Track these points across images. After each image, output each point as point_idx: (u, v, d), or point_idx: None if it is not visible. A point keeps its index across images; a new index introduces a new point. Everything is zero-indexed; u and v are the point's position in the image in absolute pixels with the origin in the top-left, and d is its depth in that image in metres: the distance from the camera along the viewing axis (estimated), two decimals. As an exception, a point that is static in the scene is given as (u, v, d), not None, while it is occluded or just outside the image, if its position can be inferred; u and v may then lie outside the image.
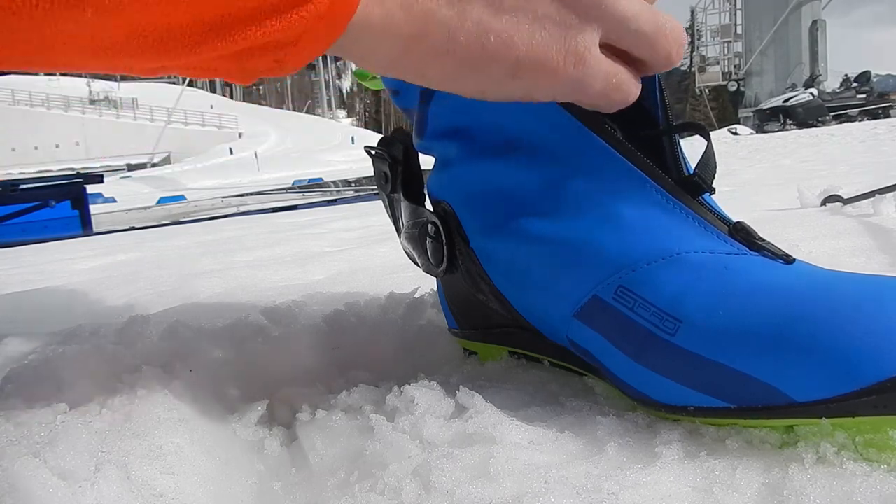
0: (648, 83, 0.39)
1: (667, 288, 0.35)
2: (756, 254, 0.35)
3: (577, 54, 0.31)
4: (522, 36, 0.31)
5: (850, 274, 0.34)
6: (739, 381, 0.31)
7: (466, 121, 0.43)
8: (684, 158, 0.39)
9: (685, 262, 0.35)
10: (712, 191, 0.38)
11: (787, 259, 0.35)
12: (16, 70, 0.28)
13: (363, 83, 0.56)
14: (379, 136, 0.47)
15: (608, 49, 0.33)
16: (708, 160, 0.38)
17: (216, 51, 0.27)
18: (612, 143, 0.38)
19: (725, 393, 0.32)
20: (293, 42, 0.28)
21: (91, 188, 4.47)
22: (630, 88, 0.34)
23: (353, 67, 0.40)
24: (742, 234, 0.36)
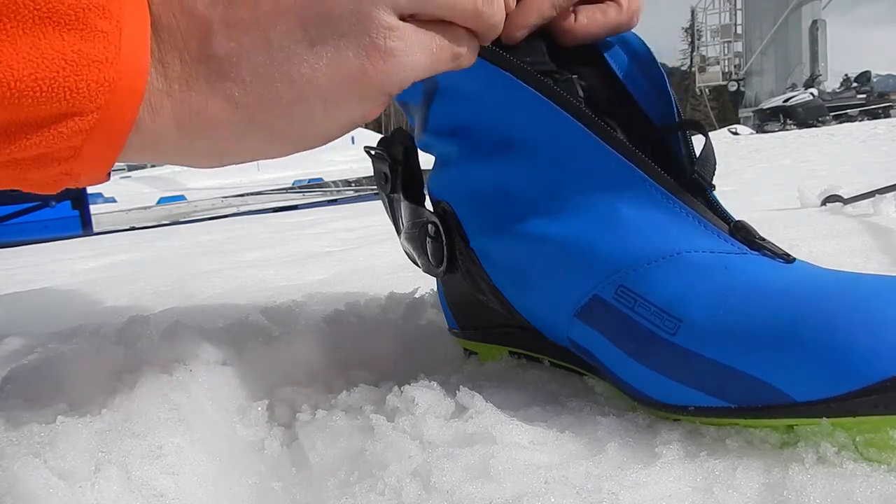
0: (660, 82, 0.40)
1: (667, 287, 0.35)
2: (757, 253, 0.35)
3: (380, 49, 0.29)
4: (314, 67, 0.29)
5: (850, 274, 0.34)
6: (740, 381, 0.31)
7: (467, 120, 0.43)
8: (694, 155, 0.39)
9: (686, 261, 0.35)
10: (712, 187, 0.38)
11: (788, 258, 0.35)
12: None
13: None
14: (379, 137, 0.47)
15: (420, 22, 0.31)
16: (707, 157, 0.38)
17: None
18: (612, 143, 0.38)
19: (726, 393, 0.32)
20: (74, 155, 0.27)
21: (91, 188, 4.46)
22: (461, 49, 0.32)
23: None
24: (742, 234, 0.36)
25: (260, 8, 0.28)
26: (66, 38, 0.24)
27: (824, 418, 0.29)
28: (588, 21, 0.39)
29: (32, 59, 0.24)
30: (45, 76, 0.24)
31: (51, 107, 0.25)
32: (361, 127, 0.30)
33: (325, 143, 0.32)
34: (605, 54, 0.41)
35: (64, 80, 0.24)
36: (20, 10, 0.24)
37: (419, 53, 0.30)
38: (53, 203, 4.04)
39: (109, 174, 0.29)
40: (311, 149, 0.32)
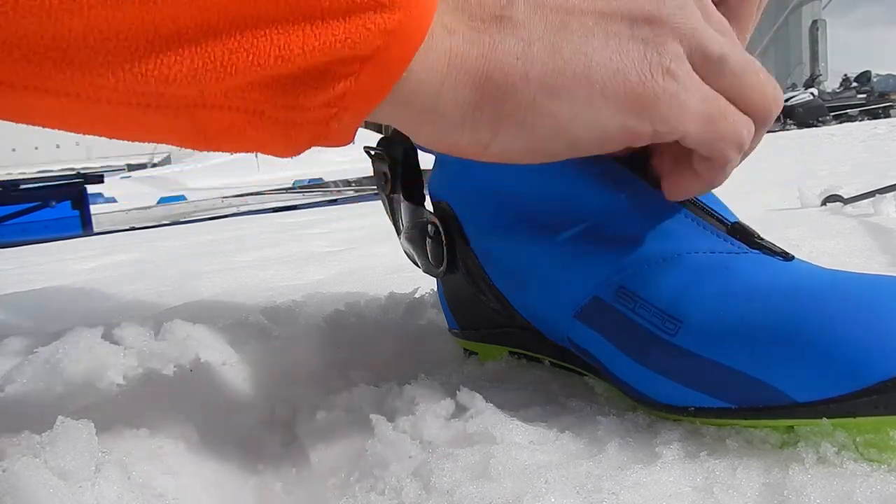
0: None
1: (667, 288, 0.35)
2: (756, 252, 0.35)
3: (663, 66, 0.29)
4: (599, 54, 0.28)
5: (850, 273, 0.34)
6: (740, 382, 0.31)
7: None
8: None
9: (685, 262, 0.35)
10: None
11: (787, 257, 0.35)
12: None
13: None
14: (379, 136, 0.47)
15: None
16: None
17: (252, 72, 0.23)
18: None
19: (726, 393, 0.32)
20: (353, 74, 0.25)
21: (91, 188, 4.47)
22: (738, 121, 0.31)
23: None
24: (741, 234, 0.36)
25: None
26: None
27: (825, 419, 0.29)
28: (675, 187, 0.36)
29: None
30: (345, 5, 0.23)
31: (335, 48, 0.24)
32: (570, 150, 0.30)
33: (570, 155, 0.31)
34: None
35: (350, 23, 0.24)
36: None
37: (696, 100, 0.30)
38: (53, 203, 4.05)
39: (355, 135, 0.28)
40: (553, 159, 0.31)
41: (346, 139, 0.27)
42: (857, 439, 0.29)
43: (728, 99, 0.31)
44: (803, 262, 0.36)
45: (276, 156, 0.28)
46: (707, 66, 0.30)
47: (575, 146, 0.30)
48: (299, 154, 0.27)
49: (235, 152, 0.28)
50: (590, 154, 0.31)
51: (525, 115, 0.29)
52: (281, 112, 0.25)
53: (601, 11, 0.29)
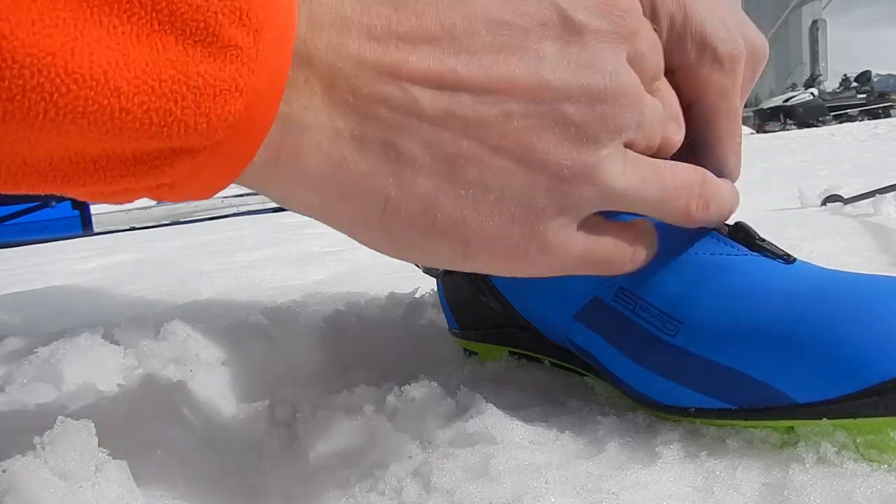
0: None
1: (667, 289, 0.35)
2: (757, 254, 0.35)
3: (541, 241, 0.26)
4: (477, 216, 0.25)
5: (850, 274, 0.34)
6: (740, 383, 0.31)
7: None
8: None
9: (686, 263, 0.35)
10: None
11: (788, 259, 0.35)
12: None
13: None
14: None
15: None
16: None
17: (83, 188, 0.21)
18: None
19: (726, 394, 0.32)
20: (170, 185, 0.22)
21: (91, 188, 4.46)
22: (621, 257, 0.30)
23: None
24: (742, 235, 0.36)
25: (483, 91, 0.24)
26: (191, 52, 0.19)
27: (825, 419, 0.29)
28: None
29: (146, 82, 0.19)
30: (158, 107, 0.19)
31: (158, 141, 0.20)
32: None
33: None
34: None
35: (181, 112, 0.19)
36: (134, 8, 0.18)
37: (571, 260, 0.28)
38: (54, 203, 4.04)
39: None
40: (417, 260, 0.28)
41: (206, 194, 0.23)
42: (858, 440, 0.29)
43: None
44: (804, 262, 0.36)
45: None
46: (616, 205, 0.28)
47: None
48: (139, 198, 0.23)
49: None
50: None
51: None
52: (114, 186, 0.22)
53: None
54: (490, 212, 0.25)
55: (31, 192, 0.21)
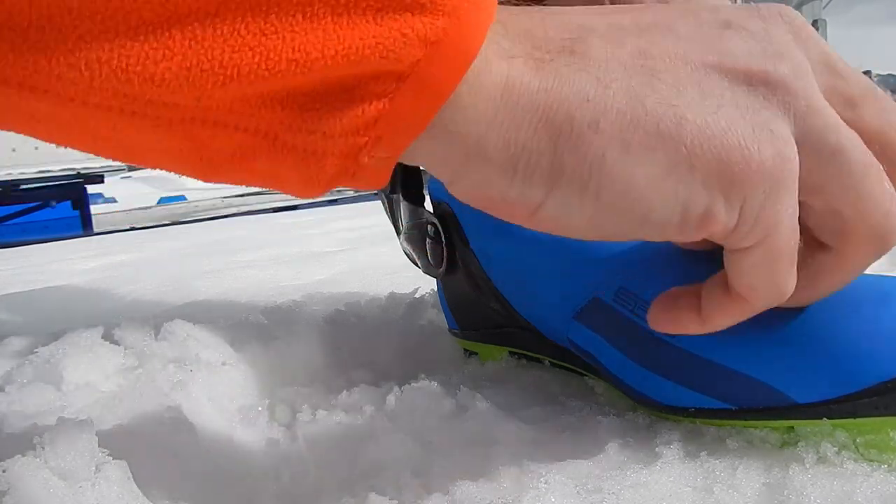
0: None
1: (667, 288, 0.35)
2: None
3: (774, 145, 0.23)
4: (693, 112, 0.23)
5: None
6: (740, 383, 0.31)
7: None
8: None
9: (686, 263, 0.35)
10: None
11: None
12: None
13: None
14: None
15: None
16: None
17: (261, 79, 0.19)
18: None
19: (726, 394, 0.32)
20: (399, 78, 0.20)
21: (92, 188, 4.47)
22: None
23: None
24: None
25: (657, 45, 0.23)
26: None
27: (825, 419, 0.29)
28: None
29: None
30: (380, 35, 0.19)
31: (365, 66, 0.20)
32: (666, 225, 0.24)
33: (635, 235, 0.25)
34: None
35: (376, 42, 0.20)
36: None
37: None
38: (54, 203, 4.05)
39: (391, 176, 0.23)
40: (616, 237, 0.26)
41: (379, 180, 0.22)
42: (858, 440, 0.29)
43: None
44: None
45: (296, 195, 0.23)
46: (814, 158, 0.24)
47: (643, 225, 0.24)
48: (323, 194, 0.23)
49: (248, 185, 0.23)
50: (658, 240, 0.26)
51: (590, 173, 0.23)
52: (298, 137, 0.21)
53: (698, 62, 0.23)
54: (704, 113, 0.23)
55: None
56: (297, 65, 0.19)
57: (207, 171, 0.22)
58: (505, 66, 0.22)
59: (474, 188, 0.24)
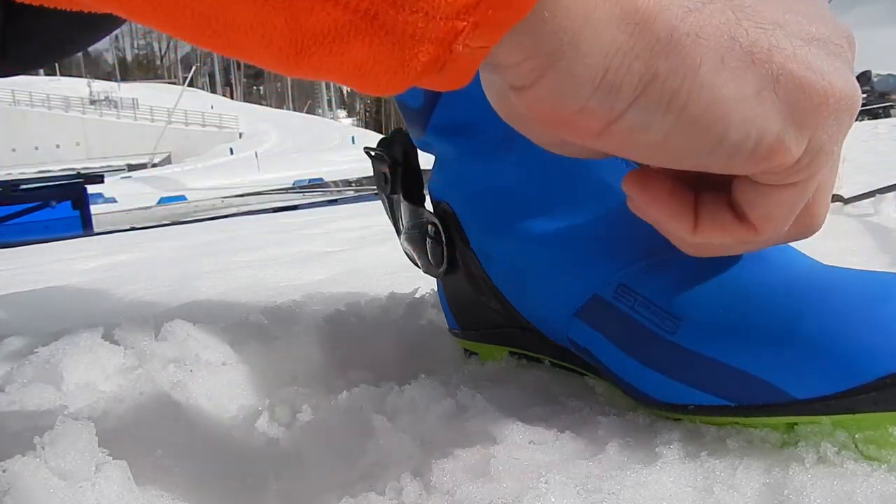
0: None
1: (667, 286, 0.35)
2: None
3: (845, 85, 0.25)
4: (784, 41, 0.24)
5: (849, 270, 0.34)
6: (739, 379, 0.31)
7: (470, 117, 0.43)
8: None
9: (685, 259, 0.35)
10: None
11: None
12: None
13: None
14: (379, 137, 0.47)
15: None
16: None
17: None
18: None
19: (726, 391, 0.32)
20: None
21: (92, 188, 4.48)
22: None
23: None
24: None
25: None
26: None
27: (824, 419, 0.29)
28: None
29: None
30: None
31: None
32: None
33: (704, 159, 0.25)
34: None
35: None
36: None
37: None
38: (54, 203, 4.05)
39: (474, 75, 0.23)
40: (680, 163, 0.26)
41: (464, 76, 0.22)
42: (857, 436, 0.29)
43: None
44: (803, 257, 0.36)
45: (379, 91, 0.22)
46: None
47: (716, 148, 0.25)
48: (407, 86, 0.22)
49: (331, 79, 0.22)
50: (721, 170, 0.26)
51: (682, 82, 0.23)
52: (399, 17, 0.20)
53: (789, 4, 0.25)
54: (792, 44, 0.24)
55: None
56: None
57: (297, 56, 0.21)
58: None
59: (552, 95, 0.24)
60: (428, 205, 0.47)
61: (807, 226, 0.30)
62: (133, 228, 3.07)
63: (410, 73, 0.21)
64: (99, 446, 0.29)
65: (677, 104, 0.24)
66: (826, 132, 0.25)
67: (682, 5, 0.23)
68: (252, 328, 0.51)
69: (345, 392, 0.41)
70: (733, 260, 0.35)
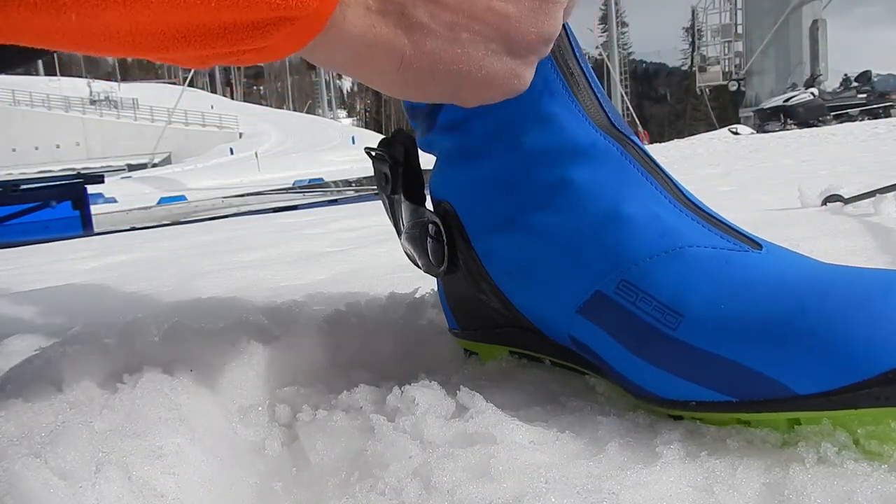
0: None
1: (669, 282, 0.35)
2: (758, 251, 0.35)
3: (519, 75, 0.33)
4: (468, 67, 0.32)
5: (850, 268, 0.34)
6: (741, 375, 0.31)
7: (470, 116, 0.43)
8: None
9: (687, 255, 0.35)
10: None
11: (755, 246, 0.36)
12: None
13: None
14: (379, 137, 0.47)
15: None
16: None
17: (187, 52, 0.28)
18: (615, 138, 0.38)
19: (727, 387, 0.32)
20: (260, 49, 0.28)
21: (92, 188, 4.47)
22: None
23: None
24: (747, 241, 0.36)
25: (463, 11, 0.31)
26: None
27: (825, 416, 0.29)
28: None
29: None
30: None
31: (275, 12, 0.27)
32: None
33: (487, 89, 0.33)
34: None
35: None
36: None
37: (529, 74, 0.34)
38: (54, 203, 4.05)
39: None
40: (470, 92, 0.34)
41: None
42: (859, 432, 0.29)
43: None
44: (804, 256, 0.36)
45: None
46: None
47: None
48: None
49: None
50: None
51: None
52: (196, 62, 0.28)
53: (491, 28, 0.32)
54: (481, 58, 0.32)
55: (157, 52, 0.27)
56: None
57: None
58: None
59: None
60: (428, 204, 0.47)
61: None
62: (133, 228, 3.07)
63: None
64: (99, 446, 0.29)
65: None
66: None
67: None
68: (252, 328, 0.51)
69: (345, 392, 0.41)
70: (735, 258, 0.35)
